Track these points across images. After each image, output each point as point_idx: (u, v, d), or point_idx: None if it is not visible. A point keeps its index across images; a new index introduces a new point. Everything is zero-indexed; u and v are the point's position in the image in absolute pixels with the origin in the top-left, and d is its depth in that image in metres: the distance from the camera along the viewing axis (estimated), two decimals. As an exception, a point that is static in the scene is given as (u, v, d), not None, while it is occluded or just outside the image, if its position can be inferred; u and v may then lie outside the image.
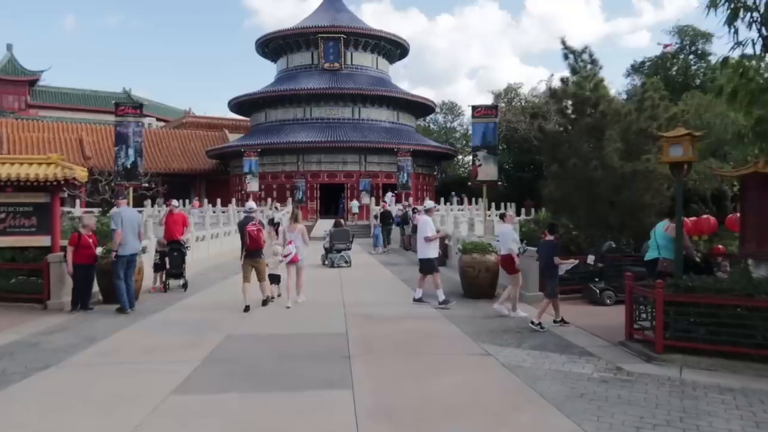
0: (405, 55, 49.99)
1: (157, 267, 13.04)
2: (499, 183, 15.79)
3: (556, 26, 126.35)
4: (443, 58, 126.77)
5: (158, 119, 61.79)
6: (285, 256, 10.65)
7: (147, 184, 34.95)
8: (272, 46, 45.39)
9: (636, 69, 43.20)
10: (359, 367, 6.59)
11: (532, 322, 8.79)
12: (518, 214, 37.32)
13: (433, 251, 11.09)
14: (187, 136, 49.83)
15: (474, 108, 15.22)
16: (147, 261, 12.92)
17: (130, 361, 7.00)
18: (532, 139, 41.48)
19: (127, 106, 14.39)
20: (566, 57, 13.32)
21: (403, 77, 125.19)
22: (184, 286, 12.81)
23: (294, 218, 11.25)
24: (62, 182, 11.58)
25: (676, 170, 7.35)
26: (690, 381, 6.12)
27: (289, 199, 37.18)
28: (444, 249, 17.80)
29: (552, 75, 58.64)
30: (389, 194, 34.76)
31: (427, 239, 10.94)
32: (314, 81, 41.81)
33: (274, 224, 27.72)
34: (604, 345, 7.71)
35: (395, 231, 25.48)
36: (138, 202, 38.59)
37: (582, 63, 13.27)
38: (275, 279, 11.29)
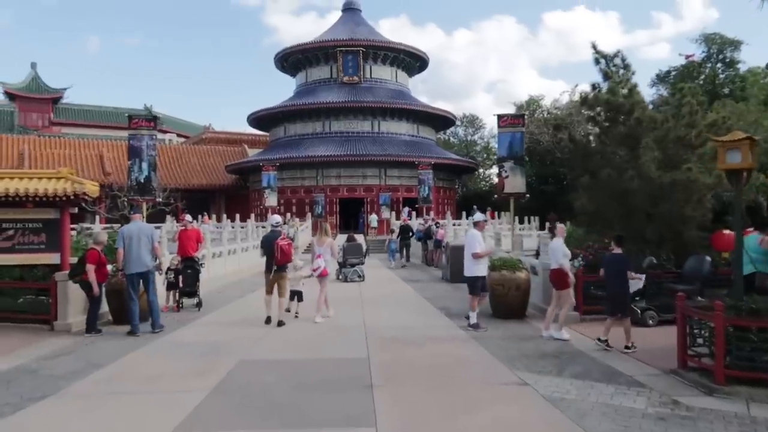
0: (424, 68, 49.63)
1: (171, 285, 12.53)
2: (527, 195, 14.99)
3: (574, 39, 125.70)
4: (461, 73, 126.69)
5: (179, 135, 62.11)
6: (314, 270, 10.44)
7: (165, 200, 34.89)
8: (291, 60, 45.32)
9: (661, 79, 42.17)
10: (383, 399, 5.93)
11: (599, 339, 8.16)
12: (542, 227, 36.48)
13: (481, 269, 10.11)
14: (206, 152, 49.86)
15: (499, 117, 14.56)
16: (159, 279, 12.45)
17: (133, 390, 6.42)
18: (555, 151, 40.66)
19: (141, 119, 14.03)
20: (597, 62, 12.62)
21: (421, 92, 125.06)
22: (198, 305, 12.29)
23: (323, 232, 11.01)
24: (72, 197, 11.16)
25: (734, 178, 6.61)
26: (762, 419, 5.34)
27: (308, 214, 36.76)
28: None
29: (576, 85, 57.67)
30: (406, 209, 34.21)
31: (476, 255, 9.92)
32: (333, 95, 41.56)
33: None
34: (654, 373, 6.94)
35: (416, 245, 24.85)
36: (157, 218, 38.61)
37: (614, 68, 12.56)
38: (299, 296, 11.01)
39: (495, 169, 61.83)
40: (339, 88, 42.49)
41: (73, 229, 32.39)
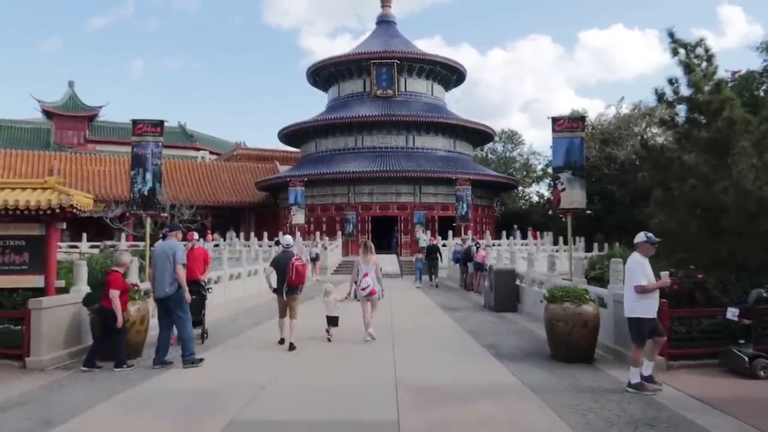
0: (461, 81, 47.84)
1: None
2: (589, 212, 12.62)
3: (612, 57, 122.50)
4: (496, 92, 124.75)
5: (211, 152, 61.67)
6: (363, 289, 10.15)
7: (191, 217, 33.75)
8: (324, 74, 44.14)
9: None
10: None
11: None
12: (589, 249, 33.93)
13: (649, 307, 7.32)
14: (237, 169, 48.93)
15: (555, 120, 12.52)
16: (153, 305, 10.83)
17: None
18: (602, 167, 38.19)
19: (146, 124, 12.51)
20: (675, 53, 10.56)
21: (455, 111, 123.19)
22: (202, 336, 10.57)
23: (368, 249, 10.54)
24: (58, 211, 9.64)
25: None
26: None
27: (339, 233, 35.09)
28: (514, 290, 15.08)
29: (622, 98, 54.86)
30: (420, 229, 32.69)
31: (641, 290, 7.24)
32: (366, 108, 40.07)
33: (314, 260, 25.78)
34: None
35: (454, 269, 22.93)
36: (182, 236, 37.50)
37: (696, 59, 10.48)
38: (334, 321, 10.46)
39: (535, 187, 59.44)
40: (372, 101, 41.01)
41: (95, 246, 31.76)
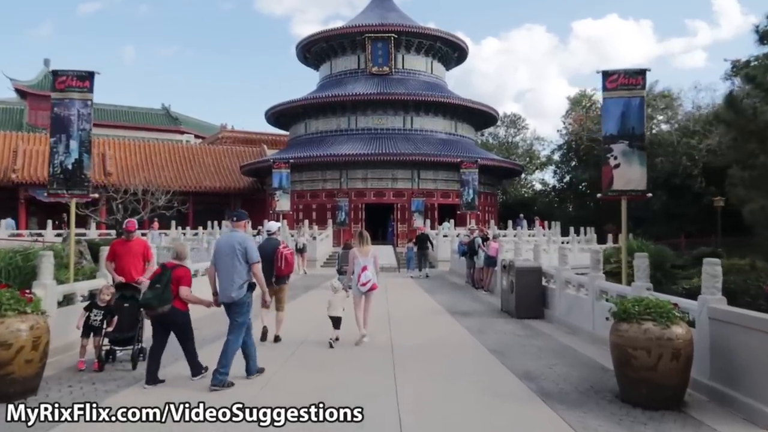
0: (463, 60, 44.65)
1: (90, 329, 7.90)
2: (649, 195, 9.52)
3: (606, 48, 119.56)
4: (489, 81, 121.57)
5: (196, 136, 58.49)
6: (364, 284, 9.18)
7: (167, 203, 30.69)
8: (315, 50, 40.90)
9: (739, 70, 36.41)
10: None
11: None
12: (601, 241, 31.09)
13: None
14: (222, 152, 45.80)
15: (606, 75, 9.35)
16: (66, 316, 7.99)
17: None
18: (614, 151, 35.25)
19: (70, 76, 9.38)
20: (757, 30, 7.60)
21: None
22: (134, 359, 7.64)
23: (365, 240, 9.60)
24: None
25: None
26: None
27: (329, 221, 32.10)
28: (540, 293, 12.27)
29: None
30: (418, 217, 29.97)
31: None
32: (360, 86, 36.90)
33: (301, 251, 22.98)
34: None
35: (461, 263, 20.11)
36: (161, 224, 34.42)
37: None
38: (336, 323, 9.15)
39: (538, 175, 56.40)
40: (367, 79, 37.84)
41: (59, 234, 28.64)
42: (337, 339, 9.01)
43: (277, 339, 9.13)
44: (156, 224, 30.18)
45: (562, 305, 11.32)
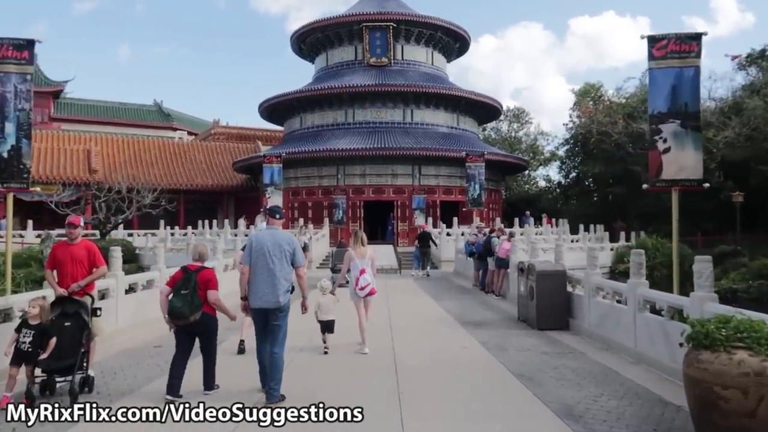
0: (465, 51, 42.88)
1: (20, 356, 6.25)
2: (706, 185, 7.84)
3: (603, 45, 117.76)
4: (486, 79, 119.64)
5: (190, 133, 56.74)
6: (362, 289, 8.55)
7: (154, 201, 29.07)
8: (310, 41, 39.15)
9: (753, 60, 34.73)
10: None
11: None
12: (614, 238, 29.45)
13: None
14: (214, 149, 44.10)
15: (652, 41, 7.61)
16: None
17: None
18: (625, 145, 33.63)
19: (6, 45, 7.77)
20: None
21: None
22: (73, 392, 6.01)
23: (361, 241, 8.96)
24: None
25: None
26: None
27: (326, 220, 30.43)
28: (565, 300, 10.65)
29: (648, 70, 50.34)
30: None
31: None
32: (358, 78, 35.13)
33: (303, 250, 21.39)
34: None
35: (467, 264, 18.48)
36: (150, 223, 32.60)
37: None
38: (329, 327, 8.53)
39: (542, 171, 54.70)
40: (365, 71, 36.08)
41: (39, 236, 26.94)
42: (326, 345, 8.45)
43: (241, 347, 8.40)
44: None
45: (593, 315, 9.67)
